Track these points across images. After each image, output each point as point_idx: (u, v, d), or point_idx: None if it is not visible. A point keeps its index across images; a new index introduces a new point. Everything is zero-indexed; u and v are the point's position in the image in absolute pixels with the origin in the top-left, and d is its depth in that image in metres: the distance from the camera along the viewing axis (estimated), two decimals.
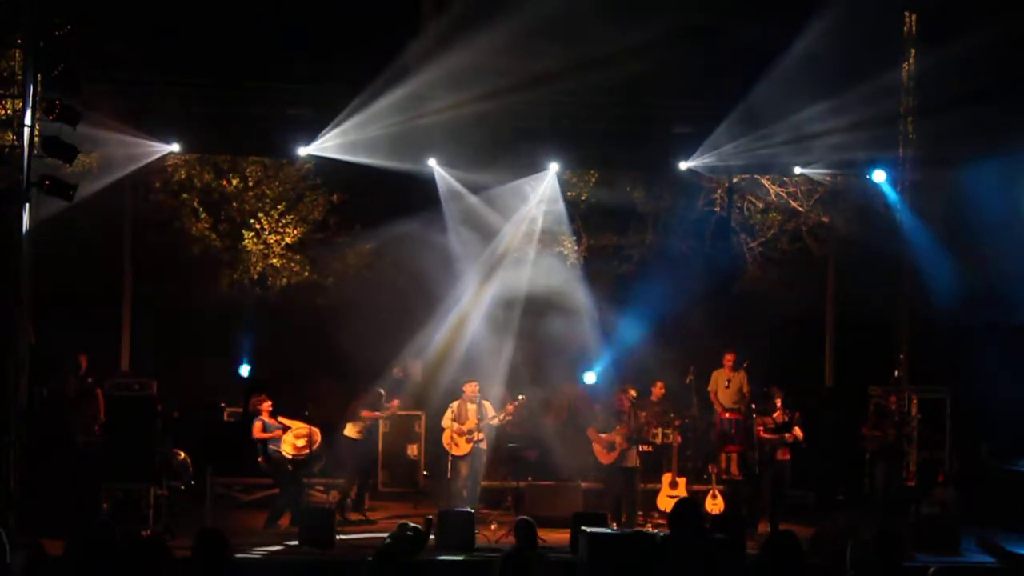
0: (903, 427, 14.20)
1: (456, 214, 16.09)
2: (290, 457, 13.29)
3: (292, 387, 14.63)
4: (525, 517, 9.41)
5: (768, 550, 6.14)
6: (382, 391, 14.26)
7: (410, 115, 14.31)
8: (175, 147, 14.55)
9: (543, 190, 16.21)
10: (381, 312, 15.91)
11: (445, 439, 14.04)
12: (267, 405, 13.44)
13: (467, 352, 15.74)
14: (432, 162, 15.51)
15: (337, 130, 14.39)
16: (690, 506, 6.61)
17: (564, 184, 16.48)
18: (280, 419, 13.42)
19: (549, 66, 14.48)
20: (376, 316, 15.85)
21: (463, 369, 15.06)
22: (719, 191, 17.26)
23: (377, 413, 14.16)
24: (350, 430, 14.02)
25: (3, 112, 12.49)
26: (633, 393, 14.08)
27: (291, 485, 13.40)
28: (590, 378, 16.54)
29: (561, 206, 16.46)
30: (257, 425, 13.32)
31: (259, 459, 13.40)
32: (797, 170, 15.66)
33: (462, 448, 13.89)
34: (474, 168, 15.37)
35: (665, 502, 13.96)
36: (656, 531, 12.91)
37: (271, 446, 13.32)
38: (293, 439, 13.32)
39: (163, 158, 15.19)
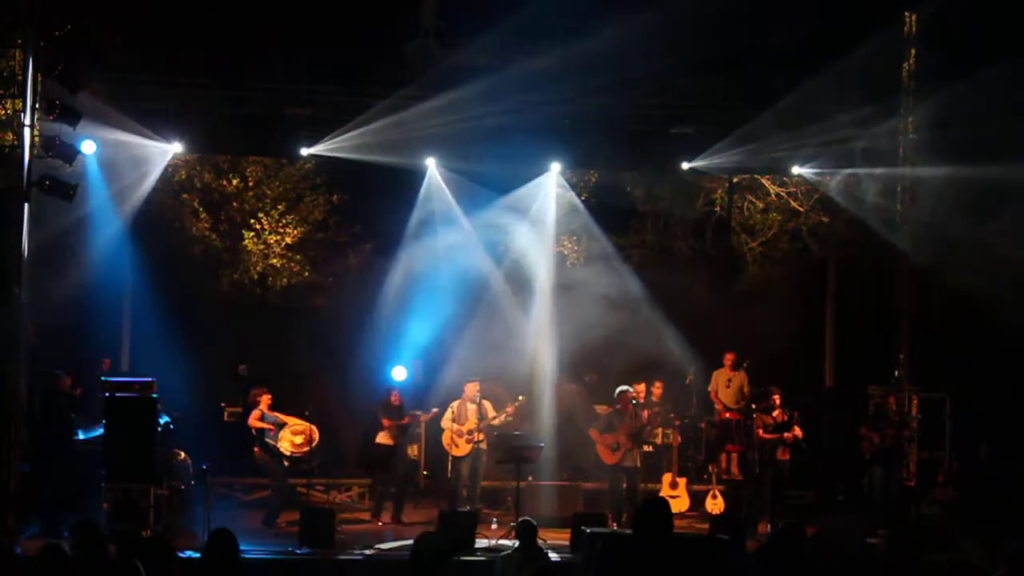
0: (903, 428, 14.20)
1: (454, 214, 16.07)
2: (288, 454, 13.30)
3: (292, 387, 14.64)
4: (527, 518, 9.45)
5: (772, 541, 6.13)
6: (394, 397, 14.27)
7: (411, 115, 14.31)
8: (177, 147, 14.50)
9: (548, 190, 16.22)
10: (381, 312, 15.91)
11: (445, 439, 14.04)
12: (267, 398, 13.46)
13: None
14: (430, 161, 15.51)
15: (339, 133, 14.40)
16: (655, 507, 6.46)
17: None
18: (278, 414, 13.44)
19: (550, 65, 14.48)
20: (376, 316, 15.86)
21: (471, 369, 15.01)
22: (719, 191, 17.26)
23: (396, 421, 14.11)
24: (382, 437, 14.03)
25: (3, 112, 12.49)
26: (640, 389, 14.06)
27: (283, 481, 13.42)
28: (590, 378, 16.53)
29: (563, 206, 16.46)
30: (255, 413, 13.35)
31: (255, 450, 13.41)
32: (796, 170, 15.67)
33: (462, 448, 13.89)
34: (474, 168, 15.37)
35: None
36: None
37: (268, 440, 13.33)
38: (291, 436, 13.33)
39: (163, 158, 15.18)
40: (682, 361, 15.94)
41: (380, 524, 13.66)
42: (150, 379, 12.76)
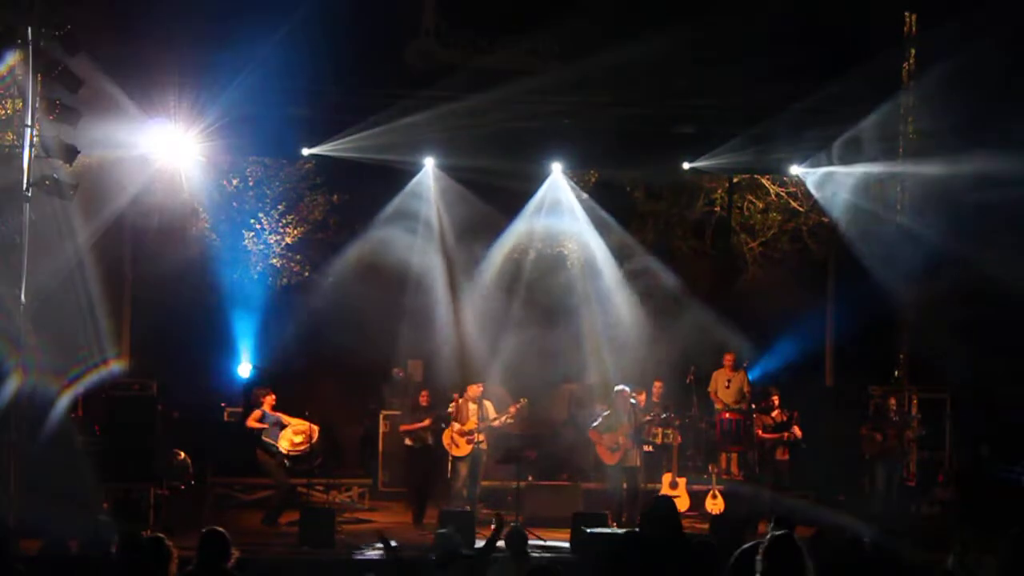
0: (903, 428, 14.20)
1: (453, 214, 16.08)
2: (285, 453, 13.31)
3: (292, 387, 14.64)
4: (517, 525, 9.43)
5: (768, 553, 6.11)
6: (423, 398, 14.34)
7: (410, 115, 14.32)
8: (178, 147, 14.49)
9: (546, 190, 16.24)
10: (381, 312, 15.91)
11: (445, 439, 14.03)
12: (270, 399, 13.46)
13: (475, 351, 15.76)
14: (428, 161, 15.55)
15: (339, 133, 14.43)
16: (664, 506, 6.51)
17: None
18: (280, 414, 13.44)
19: (551, 66, 14.50)
20: (376, 316, 15.85)
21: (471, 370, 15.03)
22: (719, 191, 17.26)
23: (416, 425, 14.11)
24: (408, 440, 14.09)
25: (3, 112, 12.48)
26: (641, 398, 14.04)
27: (284, 481, 13.43)
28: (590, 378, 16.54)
29: (564, 205, 16.50)
30: (255, 414, 13.35)
31: (257, 451, 13.41)
32: (795, 170, 15.67)
33: (462, 448, 13.88)
34: (473, 168, 15.38)
35: None
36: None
37: (267, 439, 13.33)
38: (291, 435, 13.33)
39: (164, 157, 15.21)
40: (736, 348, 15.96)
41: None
42: (150, 378, 12.78)
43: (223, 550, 6.27)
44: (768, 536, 6.01)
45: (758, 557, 5.89)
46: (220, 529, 6.47)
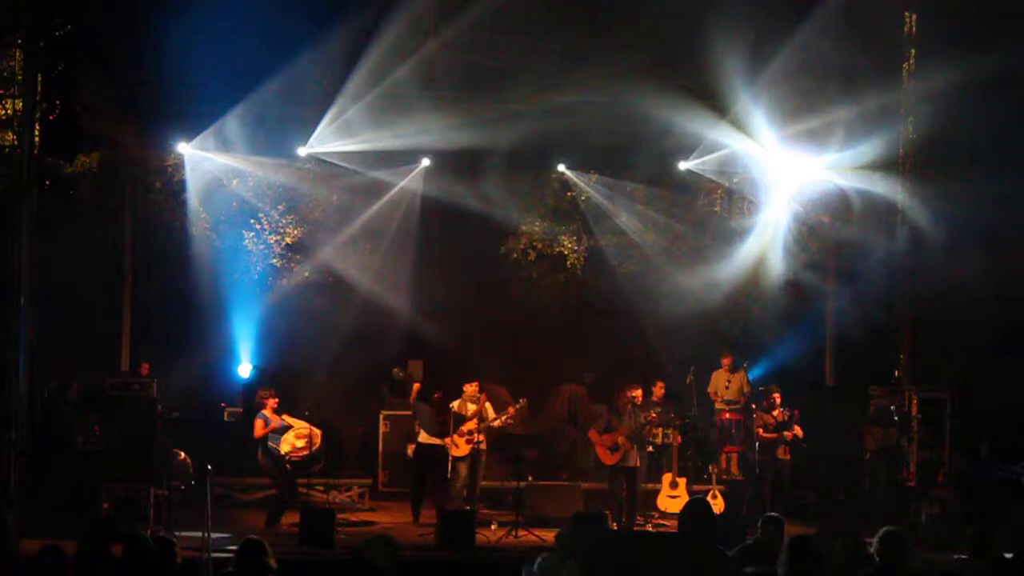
0: (903, 428, 14.20)
1: (451, 211, 16.11)
2: (286, 456, 13.29)
3: (292, 387, 14.63)
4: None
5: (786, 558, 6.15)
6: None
7: (406, 115, 14.33)
8: (177, 147, 14.52)
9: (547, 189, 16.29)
10: (381, 312, 15.93)
11: (445, 439, 14.01)
12: (273, 401, 13.42)
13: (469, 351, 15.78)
14: (425, 162, 15.58)
15: (339, 133, 14.47)
16: (700, 508, 6.59)
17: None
18: (285, 417, 13.42)
19: (551, 65, 14.53)
20: (376, 316, 15.87)
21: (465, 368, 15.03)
22: (719, 191, 17.24)
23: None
24: (426, 436, 14.00)
25: (3, 112, 12.47)
26: (638, 394, 14.04)
27: (287, 483, 13.41)
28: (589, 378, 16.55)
29: (564, 204, 16.52)
30: (258, 423, 13.31)
31: (258, 454, 13.40)
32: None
33: (462, 449, 13.85)
34: (473, 167, 15.40)
35: (665, 502, 13.98)
36: (656, 531, 12.97)
37: (270, 443, 13.32)
38: (293, 439, 13.32)
39: (163, 158, 15.23)
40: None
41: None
42: (150, 378, 12.77)
43: (261, 559, 6.30)
44: (788, 537, 6.08)
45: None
46: (258, 539, 6.51)
